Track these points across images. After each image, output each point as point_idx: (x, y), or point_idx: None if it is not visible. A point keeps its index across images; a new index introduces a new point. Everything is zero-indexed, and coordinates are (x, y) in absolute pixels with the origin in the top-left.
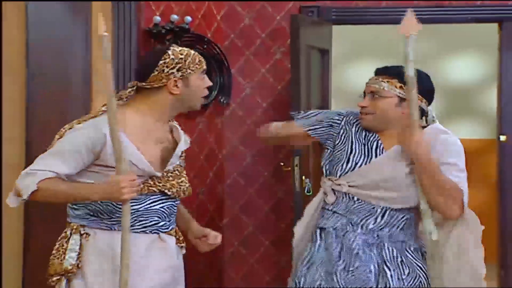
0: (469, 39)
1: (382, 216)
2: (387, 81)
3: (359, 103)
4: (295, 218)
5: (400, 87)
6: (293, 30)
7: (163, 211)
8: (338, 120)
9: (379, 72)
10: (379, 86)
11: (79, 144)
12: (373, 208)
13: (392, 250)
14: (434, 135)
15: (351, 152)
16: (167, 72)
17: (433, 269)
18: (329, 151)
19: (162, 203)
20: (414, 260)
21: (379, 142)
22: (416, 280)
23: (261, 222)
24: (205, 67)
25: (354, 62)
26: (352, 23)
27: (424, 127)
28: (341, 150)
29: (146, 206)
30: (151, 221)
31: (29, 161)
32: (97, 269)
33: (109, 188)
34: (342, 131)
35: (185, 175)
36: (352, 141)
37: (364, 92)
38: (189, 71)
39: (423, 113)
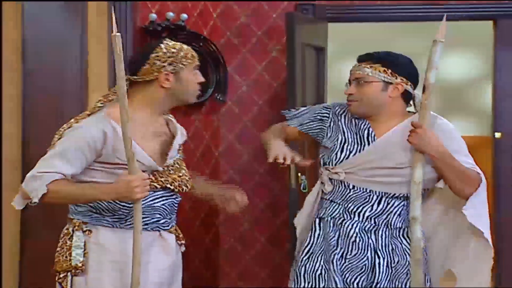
0: (464, 36)
1: (378, 203)
2: (370, 67)
3: (345, 91)
4: (290, 215)
5: (384, 71)
6: (289, 28)
7: (164, 208)
8: (326, 113)
9: (362, 58)
10: (362, 72)
11: (81, 143)
12: (369, 195)
13: (385, 237)
14: (431, 121)
15: (344, 142)
16: (159, 65)
17: (415, 275)
18: (323, 143)
19: (164, 200)
20: (408, 247)
21: (370, 129)
22: (404, 268)
23: (256, 219)
24: (198, 62)
25: (349, 60)
26: (348, 21)
27: (414, 112)
28: (334, 140)
29: (148, 203)
30: (152, 219)
31: (25, 157)
32: (98, 266)
33: (121, 188)
34: (331, 123)
35: (185, 168)
36: (343, 131)
37: (350, 80)
38: (180, 65)
39: (410, 96)
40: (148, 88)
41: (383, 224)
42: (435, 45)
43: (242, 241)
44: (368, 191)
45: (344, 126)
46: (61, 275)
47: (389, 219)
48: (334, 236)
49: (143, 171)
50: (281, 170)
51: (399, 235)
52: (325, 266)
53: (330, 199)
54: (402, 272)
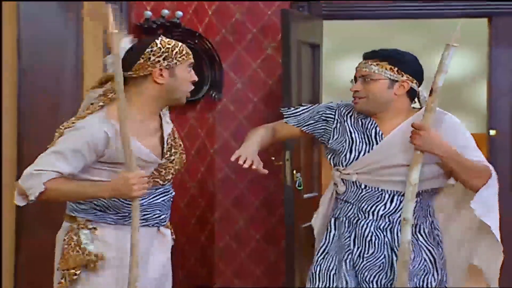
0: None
1: (391, 202)
2: (377, 64)
3: (351, 88)
4: (286, 212)
5: (390, 69)
6: (284, 26)
7: (163, 204)
8: (331, 114)
9: (368, 56)
10: (369, 69)
11: (81, 144)
12: (381, 194)
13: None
14: (438, 118)
15: (352, 142)
16: (153, 60)
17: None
18: (329, 145)
19: (164, 196)
20: (424, 243)
21: (377, 128)
22: (421, 264)
23: (252, 217)
24: (192, 60)
25: (345, 57)
26: (343, 19)
27: (419, 108)
28: (341, 142)
29: (149, 200)
30: (154, 215)
31: (21, 155)
32: (102, 263)
33: (119, 185)
34: (337, 124)
35: (181, 150)
36: (350, 131)
37: (355, 77)
38: (175, 61)
39: (415, 94)
40: (142, 84)
41: (397, 222)
42: (448, 49)
43: (237, 239)
44: (380, 190)
45: (350, 127)
46: (77, 272)
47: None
48: (349, 236)
49: (146, 166)
50: (277, 167)
51: (414, 232)
52: (339, 266)
53: (344, 199)
54: (420, 268)
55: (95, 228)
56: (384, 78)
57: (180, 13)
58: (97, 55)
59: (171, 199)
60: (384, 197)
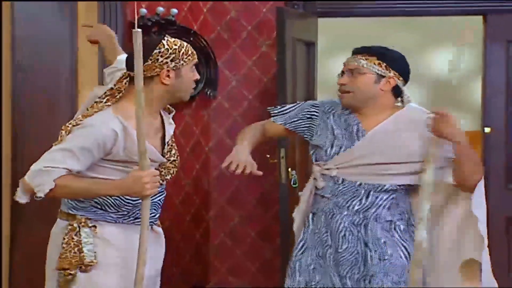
0: (454, 31)
1: (367, 197)
2: (366, 59)
3: (338, 81)
4: (281, 210)
5: (379, 64)
6: (279, 23)
7: (158, 203)
8: (315, 112)
9: (358, 51)
10: (357, 63)
11: (90, 142)
12: (358, 189)
13: (376, 231)
14: (420, 115)
15: (334, 138)
16: (161, 61)
17: (413, 275)
18: (313, 141)
19: (160, 195)
20: (400, 240)
21: (360, 124)
22: (398, 261)
23: (247, 214)
24: (196, 59)
25: (339, 55)
26: (338, 16)
27: (402, 107)
28: (324, 137)
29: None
30: (150, 214)
31: (16, 153)
32: (102, 262)
33: (131, 183)
34: (320, 121)
35: (175, 148)
36: (333, 128)
37: (343, 71)
38: (182, 62)
39: (399, 92)
40: (149, 84)
41: (372, 217)
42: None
43: (233, 236)
44: (357, 185)
45: (333, 123)
46: (72, 272)
47: (378, 212)
48: (326, 231)
49: (151, 167)
50: (272, 165)
51: (390, 229)
52: (318, 261)
53: (322, 194)
54: (398, 265)
55: (95, 226)
56: (371, 72)
57: (175, 10)
58: (92, 53)
59: (164, 198)
60: (360, 192)
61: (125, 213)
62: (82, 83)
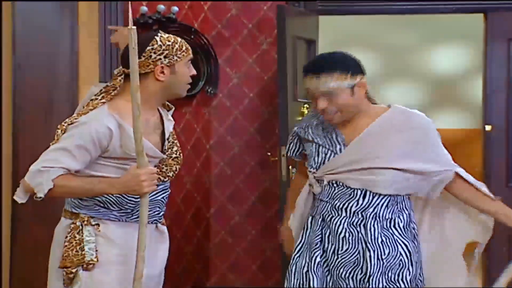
0: (455, 29)
1: (364, 198)
2: (330, 78)
3: (317, 108)
4: (281, 207)
5: (344, 78)
6: (279, 21)
7: (162, 201)
8: (297, 130)
9: (314, 72)
10: (326, 86)
11: (85, 139)
12: (354, 191)
13: (374, 230)
14: (406, 115)
15: (319, 146)
16: (154, 58)
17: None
18: (305, 151)
19: (164, 193)
20: (399, 237)
21: (337, 130)
22: (396, 259)
23: (247, 212)
24: (191, 55)
25: None
26: (338, 14)
27: (386, 108)
28: (309, 147)
29: (151, 198)
30: (154, 212)
31: (16, 152)
32: (105, 260)
33: (128, 181)
34: (303, 135)
35: (177, 145)
36: (313, 137)
37: (313, 96)
38: (176, 58)
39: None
40: (143, 81)
41: (371, 216)
42: None
43: (233, 234)
44: (351, 188)
45: (313, 134)
46: (73, 270)
47: (376, 211)
48: (320, 234)
49: (150, 163)
50: (272, 162)
51: (389, 227)
52: (311, 263)
53: (320, 198)
54: (395, 263)
55: (98, 225)
56: (344, 88)
57: (176, 8)
58: (92, 49)
59: (168, 196)
60: (357, 194)
61: (128, 211)
62: (82, 80)
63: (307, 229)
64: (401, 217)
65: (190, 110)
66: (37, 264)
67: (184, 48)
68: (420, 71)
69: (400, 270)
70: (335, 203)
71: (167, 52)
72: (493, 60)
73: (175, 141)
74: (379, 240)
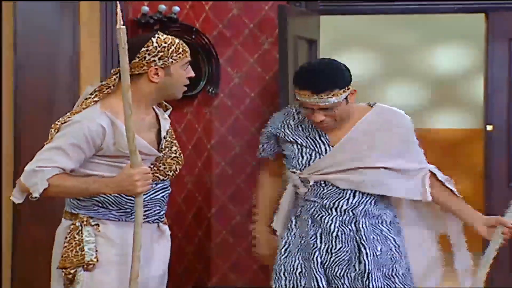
0: (456, 29)
1: (354, 196)
2: (332, 95)
3: (315, 120)
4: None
5: (343, 91)
6: (281, 21)
7: (163, 200)
8: (272, 130)
9: (318, 90)
10: (328, 102)
11: (79, 138)
12: (343, 190)
13: (366, 227)
14: (390, 114)
15: (301, 147)
16: (149, 59)
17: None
18: (282, 151)
19: (164, 192)
20: (388, 233)
21: (320, 130)
22: (387, 255)
23: (248, 211)
24: (189, 57)
25: (341, 53)
26: (339, 14)
27: (370, 107)
28: (291, 148)
29: (150, 196)
30: (154, 211)
31: (16, 152)
32: (105, 260)
33: (122, 181)
34: (281, 135)
35: (176, 145)
36: (294, 138)
37: (312, 108)
38: (171, 60)
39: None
40: (138, 82)
41: (361, 214)
42: None
43: (234, 234)
44: (340, 187)
45: (292, 136)
46: (72, 271)
47: (366, 209)
48: (314, 234)
49: (146, 162)
50: None
51: (377, 223)
52: (305, 264)
53: (305, 198)
54: (387, 259)
55: (97, 225)
56: (341, 100)
57: (177, 8)
58: (93, 49)
59: (168, 195)
60: (346, 192)
61: (128, 210)
62: (83, 79)
63: (291, 229)
64: (387, 213)
65: (191, 110)
66: (38, 264)
67: (180, 50)
68: (421, 71)
69: (393, 266)
70: (324, 202)
71: (162, 54)
72: (494, 60)
73: (174, 141)
74: (371, 236)
